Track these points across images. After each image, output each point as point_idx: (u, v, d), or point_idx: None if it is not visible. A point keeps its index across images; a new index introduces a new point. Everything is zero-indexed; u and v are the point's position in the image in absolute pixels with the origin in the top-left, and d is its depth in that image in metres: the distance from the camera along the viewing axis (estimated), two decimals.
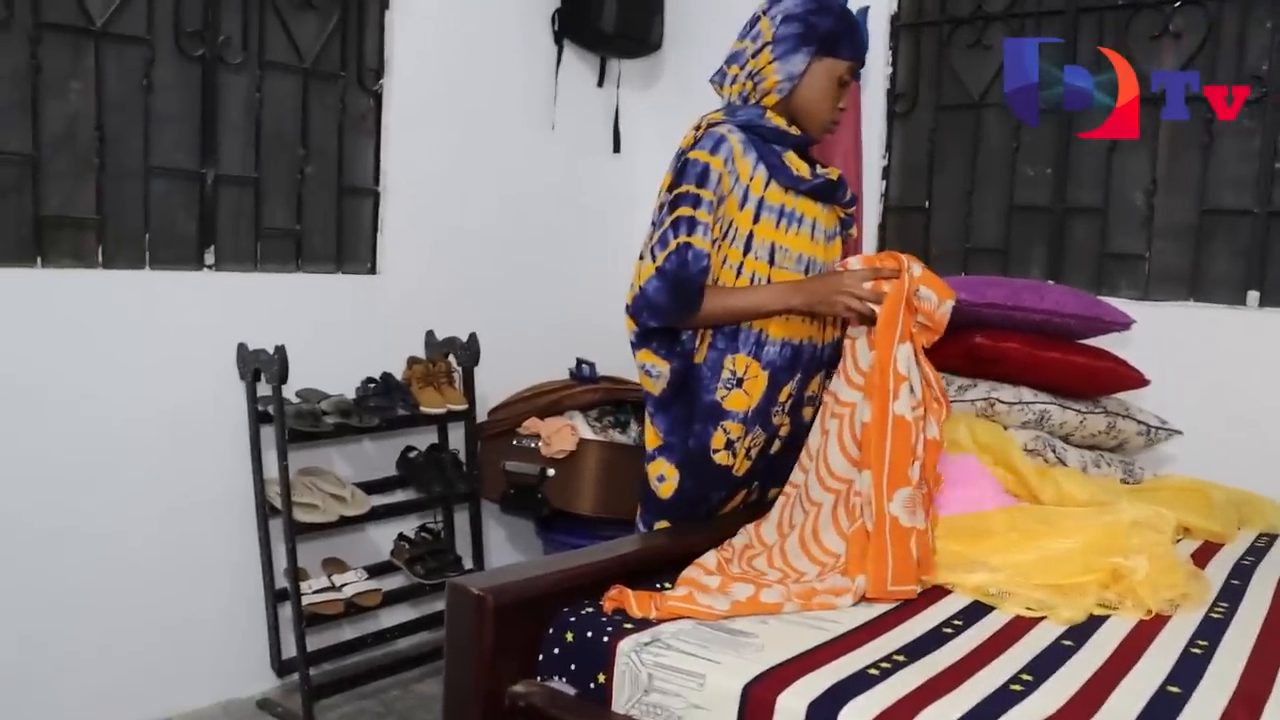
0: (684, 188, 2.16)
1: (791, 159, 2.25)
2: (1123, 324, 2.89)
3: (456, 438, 3.65)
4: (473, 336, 3.57)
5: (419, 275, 3.68)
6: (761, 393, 2.24)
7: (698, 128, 2.25)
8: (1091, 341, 2.94)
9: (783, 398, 2.27)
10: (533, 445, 3.51)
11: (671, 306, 2.14)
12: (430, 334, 3.63)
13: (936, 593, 1.98)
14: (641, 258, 2.19)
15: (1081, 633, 1.82)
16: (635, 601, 1.77)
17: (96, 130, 2.94)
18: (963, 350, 2.78)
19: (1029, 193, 3.65)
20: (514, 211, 3.97)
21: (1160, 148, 3.42)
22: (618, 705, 1.66)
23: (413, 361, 3.53)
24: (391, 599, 3.41)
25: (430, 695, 3.34)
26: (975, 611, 1.90)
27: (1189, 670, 1.69)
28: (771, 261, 2.22)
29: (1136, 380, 2.86)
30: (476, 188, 3.85)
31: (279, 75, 3.33)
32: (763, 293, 2.19)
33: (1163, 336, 3.20)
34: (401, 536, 3.54)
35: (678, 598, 1.81)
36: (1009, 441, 2.55)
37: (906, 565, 1.93)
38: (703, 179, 2.15)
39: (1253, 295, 3.25)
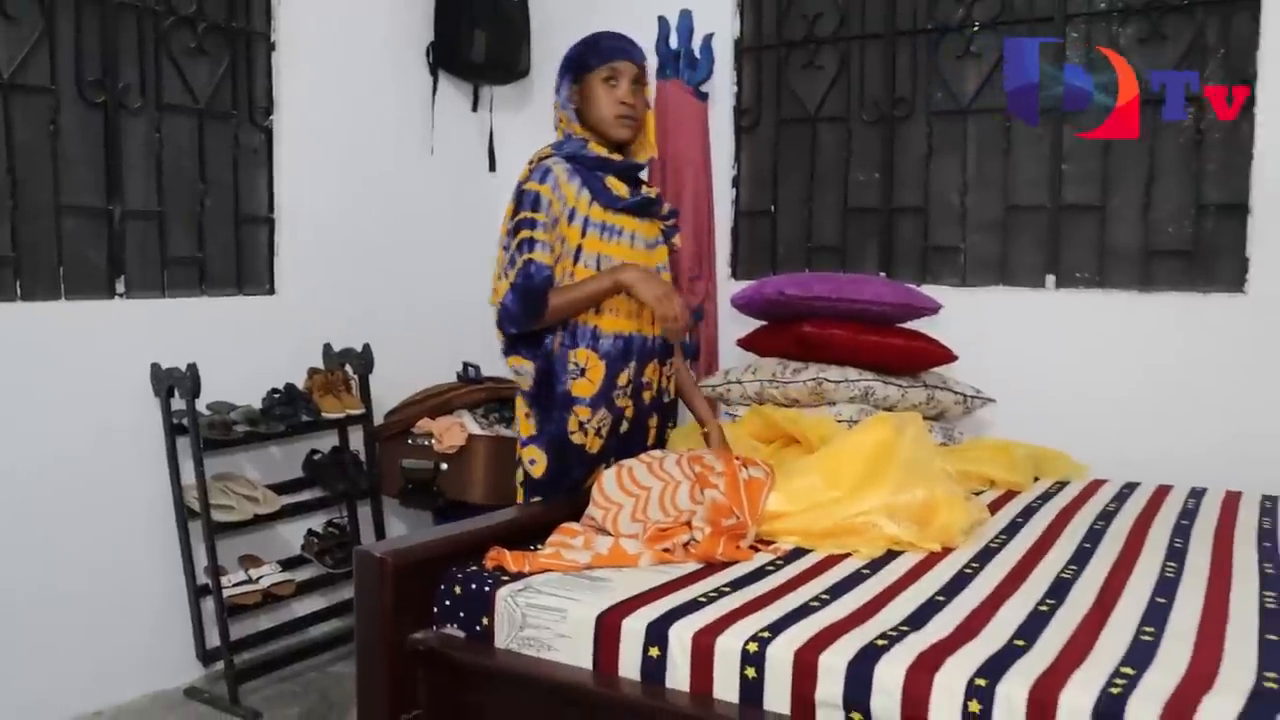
0: (522, 214, 2.55)
1: (612, 182, 2.64)
2: (931, 309, 3.30)
3: (356, 440, 3.89)
4: (366, 347, 3.81)
5: (314, 293, 3.89)
6: (601, 378, 2.61)
7: (531, 162, 2.64)
8: (915, 325, 3.34)
9: (622, 382, 2.64)
10: (426, 443, 3.68)
11: (523, 313, 2.52)
12: (328, 346, 3.85)
13: (765, 544, 2.32)
14: (498, 278, 2.56)
15: (878, 564, 2.19)
16: (511, 559, 2.12)
17: (8, 173, 3.10)
18: (794, 338, 3.17)
19: (861, 195, 4.03)
20: (400, 230, 4.20)
21: (969, 153, 3.83)
22: (499, 642, 1.99)
23: (313, 372, 3.75)
24: (304, 589, 3.64)
25: (344, 675, 3.57)
26: (796, 554, 2.25)
27: (957, 584, 2.06)
28: (598, 269, 2.60)
29: (946, 356, 3.25)
30: (364, 210, 4.07)
31: (176, 116, 3.54)
32: (595, 279, 2.57)
33: (978, 317, 3.61)
34: (311, 532, 3.79)
35: (546, 555, 2.16)
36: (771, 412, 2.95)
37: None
38: (536, 205, 2.54)
39: (1050, 278, 3.69)
